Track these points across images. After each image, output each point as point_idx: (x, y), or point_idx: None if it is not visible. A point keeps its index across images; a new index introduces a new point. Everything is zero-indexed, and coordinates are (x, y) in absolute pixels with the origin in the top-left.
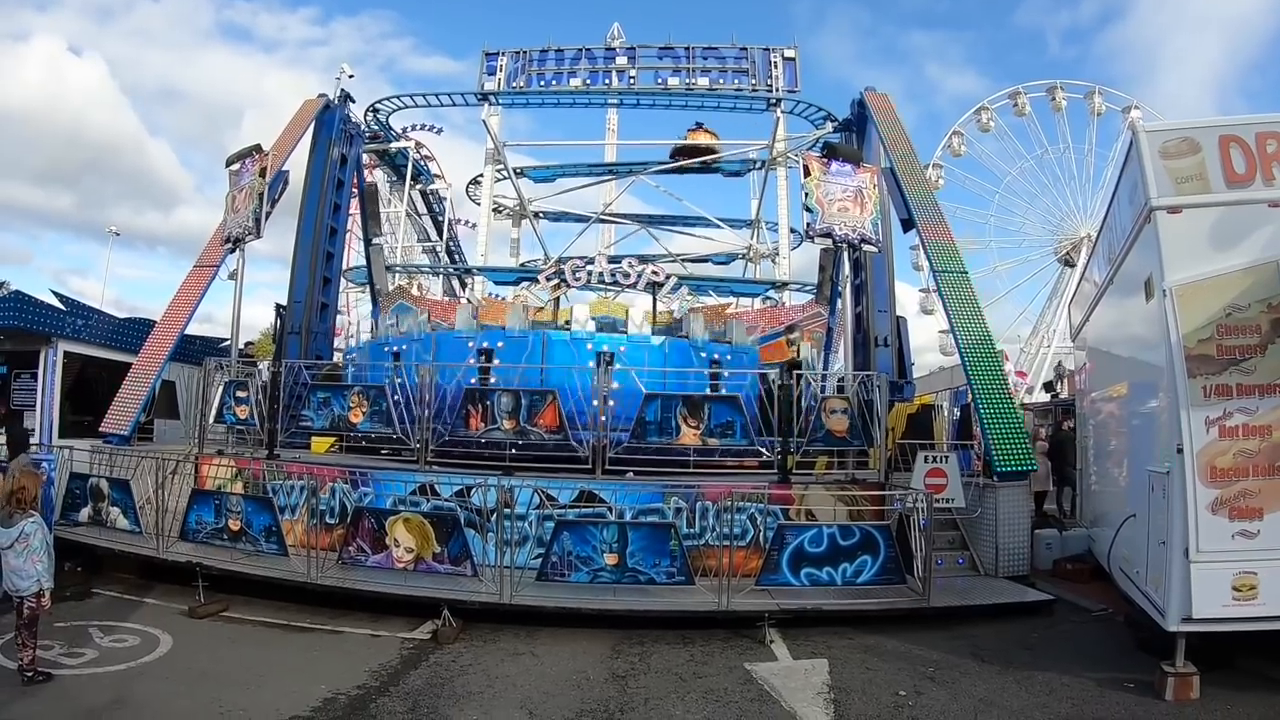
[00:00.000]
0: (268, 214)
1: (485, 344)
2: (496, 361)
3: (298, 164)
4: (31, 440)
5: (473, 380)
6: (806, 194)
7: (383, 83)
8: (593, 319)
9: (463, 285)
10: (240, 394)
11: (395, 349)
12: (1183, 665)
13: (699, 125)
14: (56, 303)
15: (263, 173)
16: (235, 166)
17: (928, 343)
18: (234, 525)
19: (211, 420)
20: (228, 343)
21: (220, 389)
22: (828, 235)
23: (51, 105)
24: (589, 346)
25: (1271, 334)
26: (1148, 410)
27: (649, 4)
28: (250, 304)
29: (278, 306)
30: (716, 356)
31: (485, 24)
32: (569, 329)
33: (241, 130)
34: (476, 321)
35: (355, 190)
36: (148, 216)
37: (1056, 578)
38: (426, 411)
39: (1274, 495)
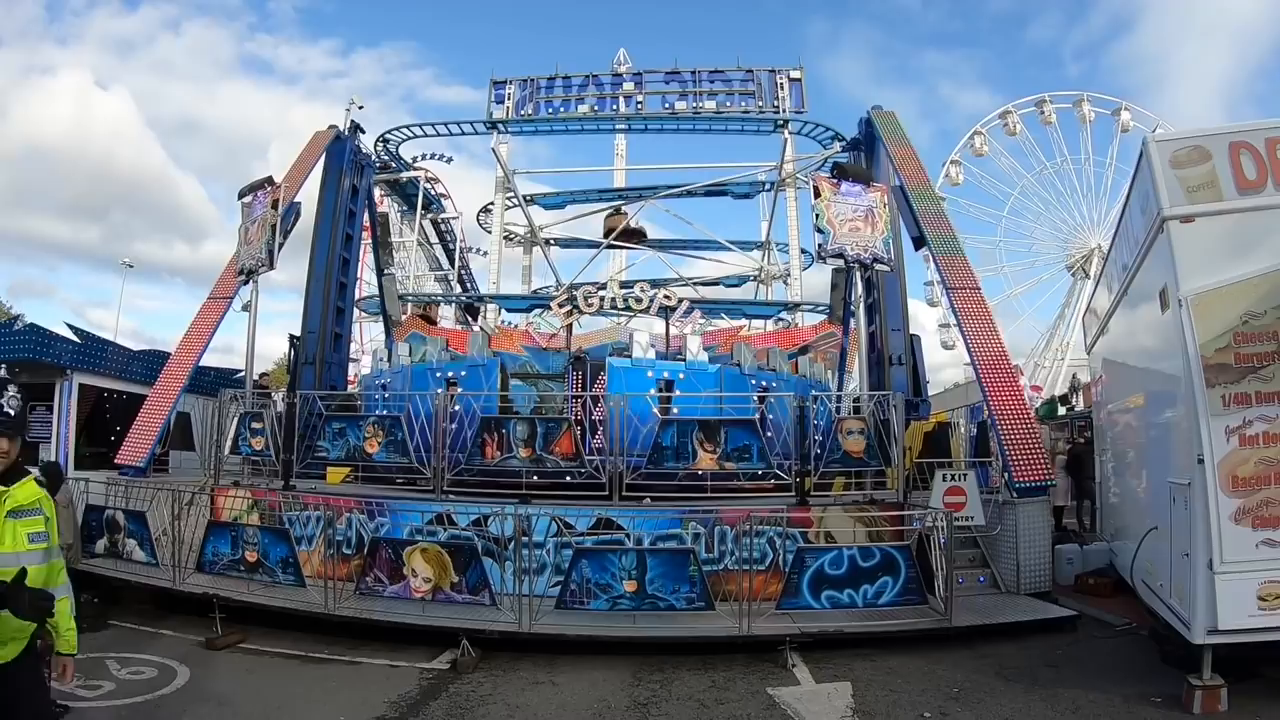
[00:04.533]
0: (280, 245)
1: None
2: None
3: (310, 195)
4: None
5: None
6: (817, 215)
7: (403, 113)
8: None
9: (475, 314)
10: (255, 425)
11: (450, 374)
12: (1210, 678)
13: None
14: (71, 335)
15: (275, 204)
16: (248, 199)
17: (942, 361)
18: (250, 556)
19: (227, 451)
20: (242, 374)
21: (235, 420)
22: (840, 256)
23: (77, 139)
24: (650, 374)
25: None
26: (1166, 421)
27: (665, 27)
28: (267, 334)
29: (291, 337)
30: (765, 384)
31: (505, 52)
32: (629, 355)
33: (267, 162)
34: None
35: (367, 221)
36: (175, 249)
37: (1079, 593)
38: (444, 441)
39: None
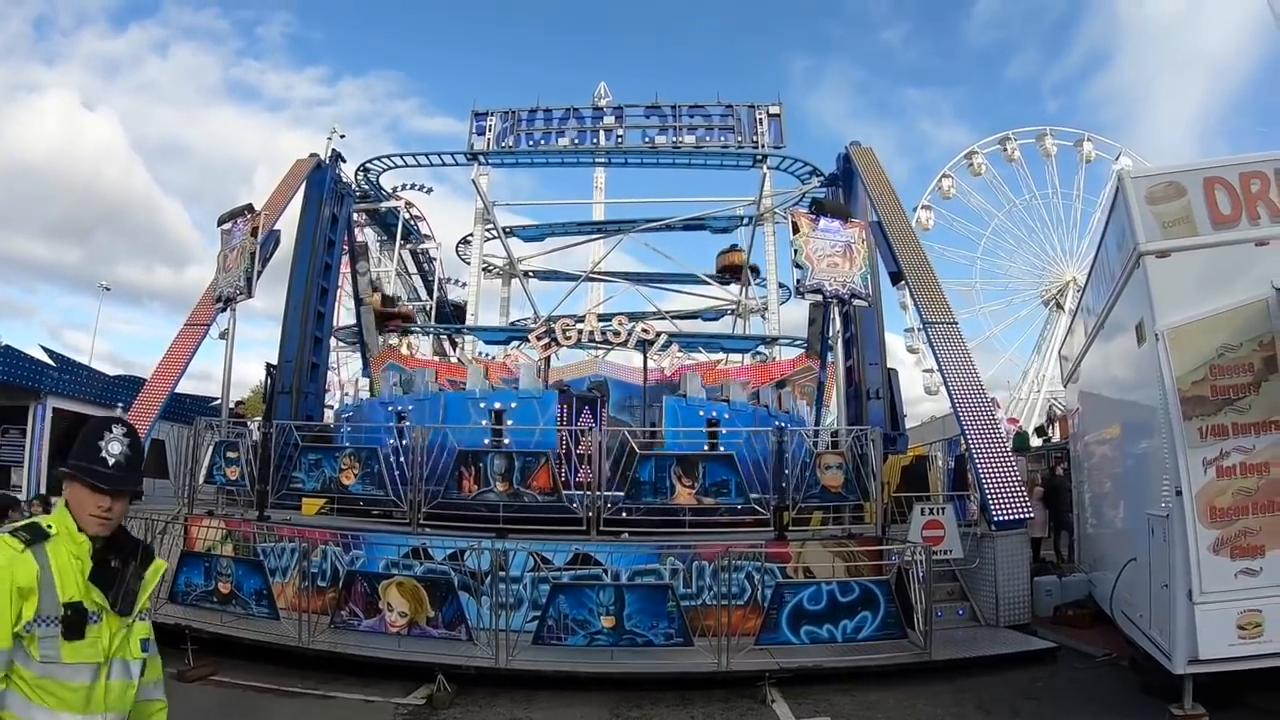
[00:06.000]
0: (259, 273)
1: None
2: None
3: (290, 223)
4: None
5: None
6: (796, 250)
7: (387, 142)
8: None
9: (453, 345)
10: (230, 454)
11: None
12: (1191, 707)
13: (733, 247)
14: (46, 358)
15: (254, 232)
16: (227, 226)
17: (919, 394)
18: (224, 588)
19: (201, 480)
20: (218, 401)
21: (210, 449)
22: (818, 291)
23: (62, 158)
24: (700, 413)
25: (1264, 371)
26: (1143, 453)
27: (648, 62)
28: (246, 361)
29: (268, 366)
30: (713, 415)
31: (490, 84)
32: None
33: (252, 187)
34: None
35: (346, 249)
36: (156, 273)
37: (1058, 624)
38: (420, 473)
39: (1275, 532)
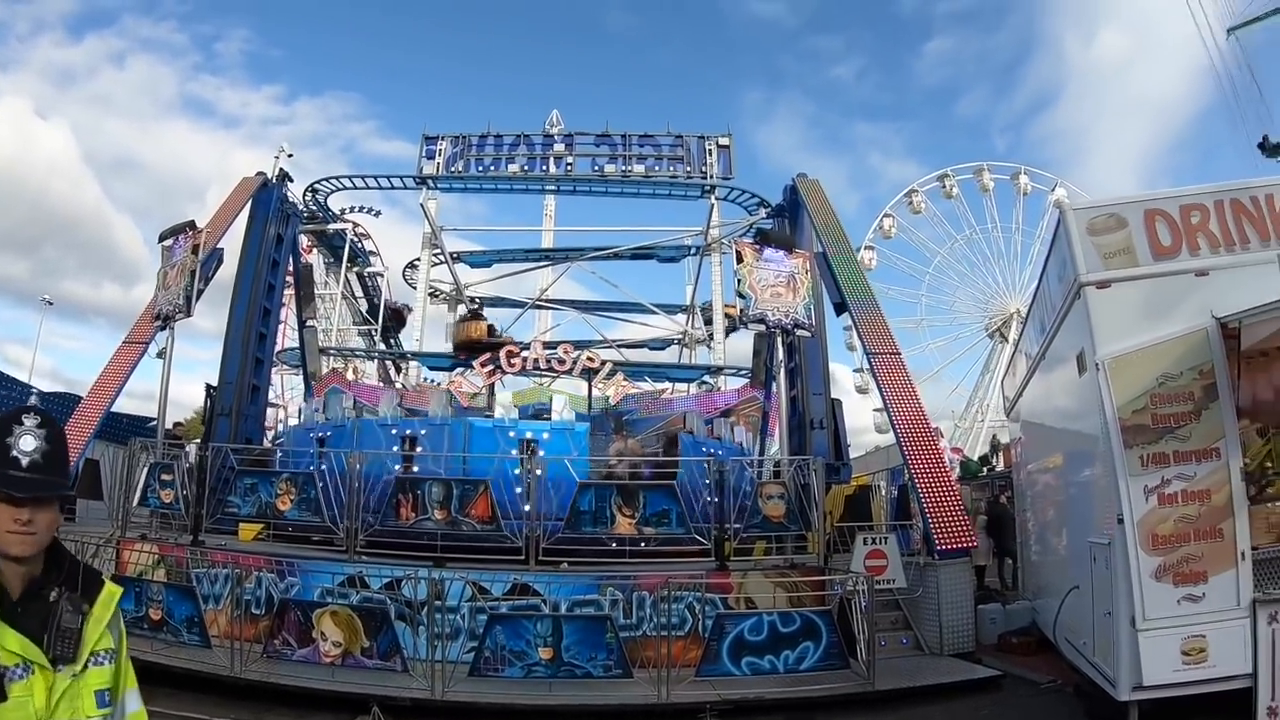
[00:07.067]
0: (200, 291)
1: None
2: None
3: (234, 242)
4: None
5: None
6: (739, 280)
7: (342, 164)
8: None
9: (398, 370)
10: (165, 476)
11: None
12: None
13: None
14: None
15: (195, 249)
16: (168, 242)
17: (864, 424)
18: (155, 614)
19: (135, 503)
20: (156, 422)
21: (145, 470)
22: (761, 321)
23: (12, 168)
24: (704, 450)
25: (1204, 399)
26: (1086, 481)
27: (603, 94)
28: (189, 381)
29: (208, 387)
30: None
31: (446, 111)
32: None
33: (204, 204)
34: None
35: (290, 271)
36: (104, 289)
37: (1002, 652)
38: (356, 500)
39: (1216, 558)
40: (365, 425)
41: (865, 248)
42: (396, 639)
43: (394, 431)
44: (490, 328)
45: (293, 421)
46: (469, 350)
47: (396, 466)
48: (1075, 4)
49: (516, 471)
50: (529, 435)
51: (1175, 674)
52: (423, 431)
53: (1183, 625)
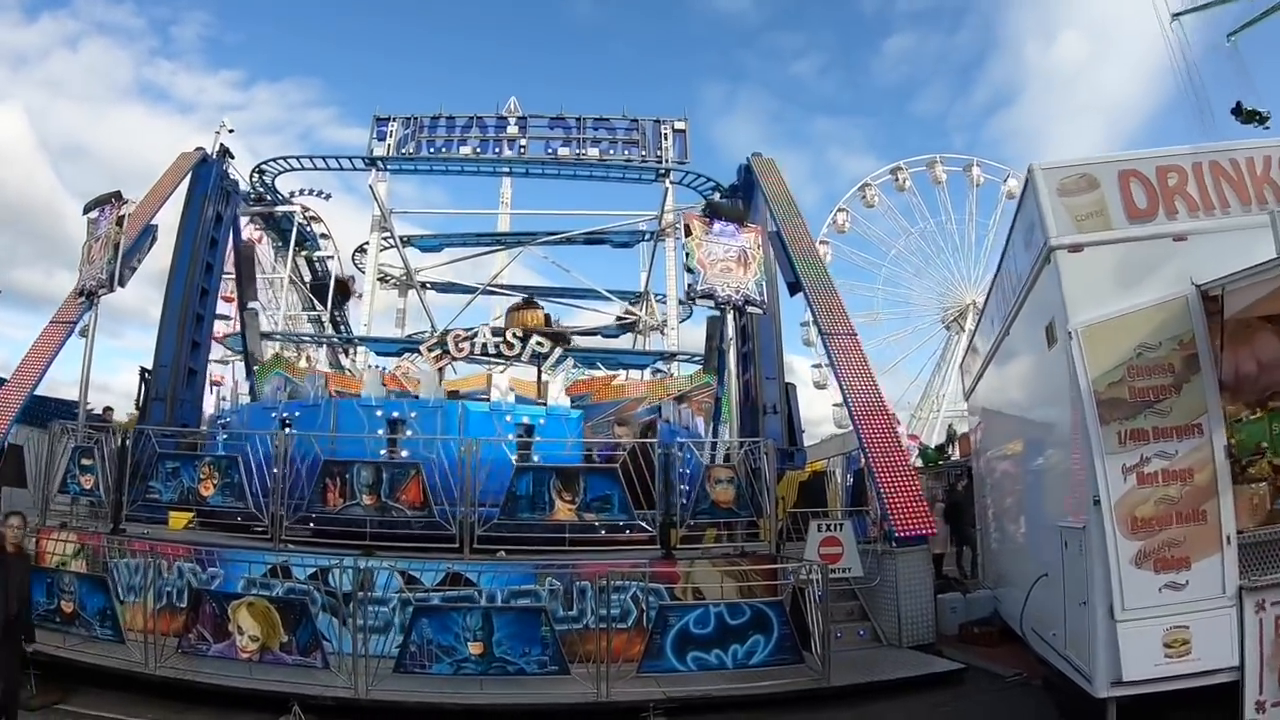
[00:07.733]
0: (134, 269)
1: None
2: None
3: (169, 219)
4: None
5: None
6: (688, 254)
7: (300, 151)
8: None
9: (346, 355)
10: (85, 461)
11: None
12: None
13: None
14: None
15: (120, 221)
16: (93, 214)
17: (822, 415)
18: (67, 607)
19: (56, 489)
20: (91, 406)
21: (65, 455)
22: (709, 296)
23: None
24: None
25: (1185, 372)
26: (1055, 463)
27: (563, 84)
28: (133, 370)
29: (143, 370)
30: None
31: (408, 98)
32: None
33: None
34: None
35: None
36: (56, 278)
37: (964, 643)
38: (281, 484)
39: (1200, 542)
40: (344, 405)
41: (820, 242)
42: (317, 633)
43: (379, 413)
44: (547, 316)
45: (224, 405)
46: None
47: (382, 451)
48: (1034, 4)
49: (514, 457)
50: (525, 420)
51: (1157, 668)
52: (412, 414)
53: (1164, 615)
